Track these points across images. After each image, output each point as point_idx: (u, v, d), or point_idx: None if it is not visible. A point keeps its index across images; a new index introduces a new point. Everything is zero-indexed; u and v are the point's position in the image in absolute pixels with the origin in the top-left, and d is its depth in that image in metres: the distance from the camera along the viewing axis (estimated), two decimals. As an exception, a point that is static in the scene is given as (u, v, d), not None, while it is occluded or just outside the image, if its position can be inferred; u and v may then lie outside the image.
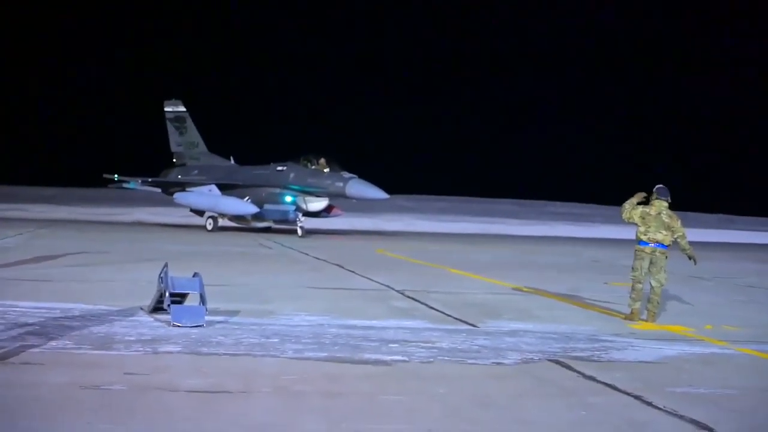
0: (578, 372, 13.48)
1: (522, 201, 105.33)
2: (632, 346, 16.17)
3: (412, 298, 21.98)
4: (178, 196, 56.30)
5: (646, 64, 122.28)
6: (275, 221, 54.81)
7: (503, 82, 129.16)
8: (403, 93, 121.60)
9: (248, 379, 12.01)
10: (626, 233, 57.12)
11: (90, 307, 17.92)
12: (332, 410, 10.57)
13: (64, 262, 28.16)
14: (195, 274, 17.40)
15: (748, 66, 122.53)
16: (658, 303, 19.77)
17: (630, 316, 19.59)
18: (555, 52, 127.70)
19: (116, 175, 54.96)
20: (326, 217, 55.48)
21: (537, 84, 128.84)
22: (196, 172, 59.36)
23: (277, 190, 53.40)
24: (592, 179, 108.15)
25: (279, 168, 54.04)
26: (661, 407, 11.34)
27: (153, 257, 29.14)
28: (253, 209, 53.49)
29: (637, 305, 19.66)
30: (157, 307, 17.23)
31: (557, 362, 14.21)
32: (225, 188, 55.20)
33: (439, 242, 53.14)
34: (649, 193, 19.95)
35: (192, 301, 17.09)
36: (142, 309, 17.78)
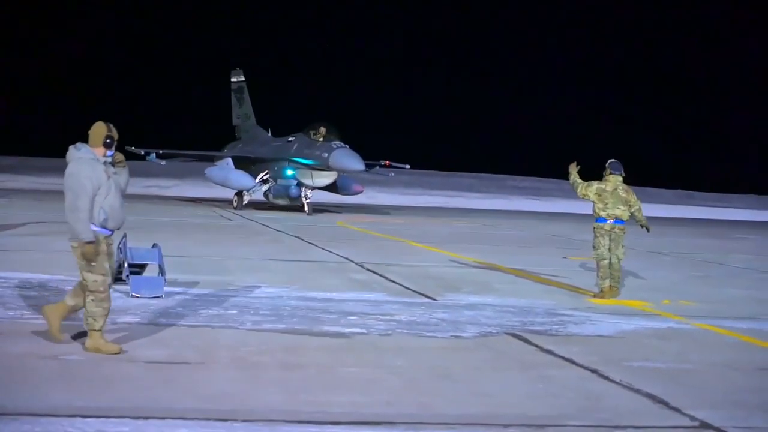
0: (536, 345, 13.55)
1: (482, 175, 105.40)
2: (590, 320, 16.26)
3: (372, 271, 22.01)
4: (206, 171, 52.85)
5: (606, 36, 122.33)
6: (288, 197, 49.39)
7: (466, 55, 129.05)
8: (366, 66, 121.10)
9: (206, 351, 12.01)
10: (585, 208, 57.49)
11: (48, 277, 17.85)
12: (290, 381, 10.59)
13: (22, 231, 28.02)
14: (154, 245, 17.37)
15: (711, 40, 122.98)
16: (618, 278, 19.58)
17: (601, 295, 19.24)
18: (516, 26, 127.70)
19: (133, 147, 49.73)
20: (355, 193, 52.52)
21: (499, 57, 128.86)
22: (240, 146, 55.78)
23: (284, 164, 49.24)
24: (552, 153, 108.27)
25: (289, 139, 50.24)
26: (618, 381, 11.42)
27: (112, 228, 28.97)
28: (251, 183, 49.56)
29: (607, 282, 19.28)
30: (116, 278, 17.11)
31: (515, 336, 14.27)
32: (243, 162, 51.59)
33: (399, 215, 53.17)
34: (601, 169, 19.82)
35: (151, 272, 17.06)
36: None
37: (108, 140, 11.90)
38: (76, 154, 11.80)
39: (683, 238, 43.43)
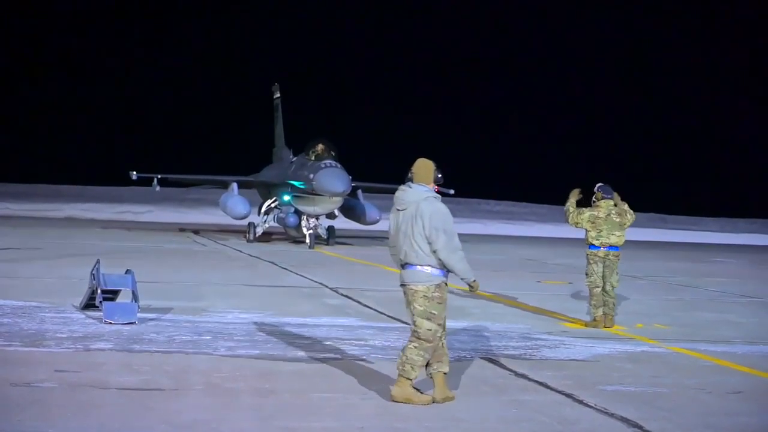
0: (510, 370, 13.57)
1: (457, 199, 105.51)
2: (564, 344, 16.28)
3: (346, 296, 21.99)
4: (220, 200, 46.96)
5: (578, 61, 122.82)
6: (288, 227, 43.41)
7: (438, 78, 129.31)
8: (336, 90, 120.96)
9: (180, 377, 11.97)
10: (560, 232, 57.53)
11: (21, 303, 17.76)
12: (264, 407, 10.57)
13: (-5, 258, 27.86)
14: (127, 271, 17.29)
15: (683, 64, 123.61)
16: (613, 306, 18.87)
17: (593, 324, 18.62)
18: (488, 51, 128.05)
19: (134, 172, 46.89)
20: (372, 222, 46.25)
21: (471, 82, 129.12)
22: (265, 169, 49.76)
23: (284, 189, 43.09)
24: (527, 178, 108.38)
25: (292, 160, 44.40)
26: (592, 405, 11.44)
27: (85, 253, 28.89)
28: (244, 211, 43.59)
29: (600, 311, 18.63)
30: (89, 304, 17.10)
31: (490, 360, 14.28)
32: (259, 187, 47.86)
33: (373, 240, 53.10)
34: (590, 192, 19.15)
35: (124, 298, 16.98)
36: (74, 306, 17.65)
37: (438, 174, 11.75)
38: (419, 194, 11.59)
39: (657, 261, 43.52)
